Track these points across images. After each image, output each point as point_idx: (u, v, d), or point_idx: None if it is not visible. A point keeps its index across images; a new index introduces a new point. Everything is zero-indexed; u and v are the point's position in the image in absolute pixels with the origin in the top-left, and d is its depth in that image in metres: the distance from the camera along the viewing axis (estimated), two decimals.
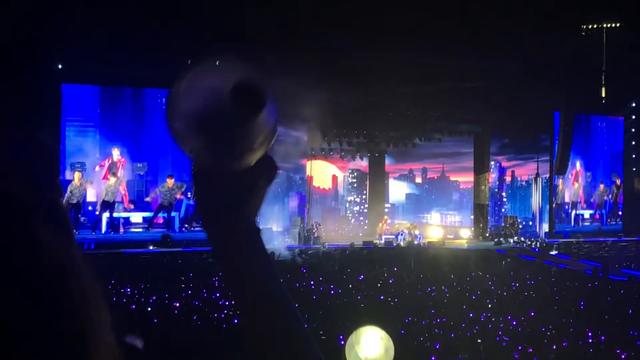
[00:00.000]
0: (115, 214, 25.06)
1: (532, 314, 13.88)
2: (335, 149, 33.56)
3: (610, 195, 34.01)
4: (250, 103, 1.20)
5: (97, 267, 1.06)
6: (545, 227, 31.81)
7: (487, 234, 32.09)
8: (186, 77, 1.21)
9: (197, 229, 24.67)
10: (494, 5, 25.96)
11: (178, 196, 25.73)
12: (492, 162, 33.49)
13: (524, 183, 33.87)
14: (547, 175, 31.98)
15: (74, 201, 23.69)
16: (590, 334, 12.08)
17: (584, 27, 31.86)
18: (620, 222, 33.76)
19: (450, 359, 10.45)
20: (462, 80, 27.96)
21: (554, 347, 11.10)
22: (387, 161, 38.35)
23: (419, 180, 39.32)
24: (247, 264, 1.29)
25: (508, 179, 34.13)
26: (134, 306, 13.71)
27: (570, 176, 32.43)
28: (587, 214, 33.41)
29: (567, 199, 32.58)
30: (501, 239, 30.16)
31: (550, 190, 31.66)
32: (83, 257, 1.05)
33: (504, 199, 34.17)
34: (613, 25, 31.47)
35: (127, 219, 25.64)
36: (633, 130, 34.01)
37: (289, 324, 1.30)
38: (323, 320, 12.50)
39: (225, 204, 1.28)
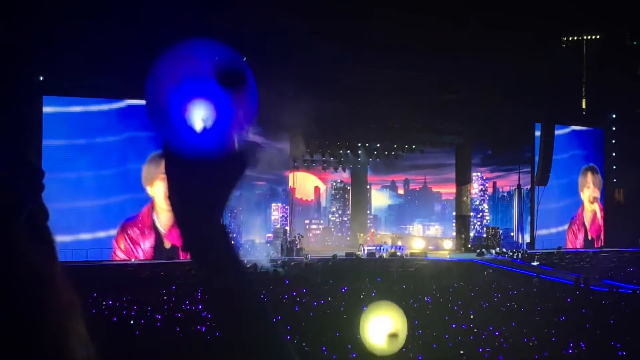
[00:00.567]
0: None
1: (514, 324, 13.92)
2: (318, 161, 33.60)
3: None
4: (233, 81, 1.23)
5: (80, 279, 1.06)
6: (527, 238, 31.93)
7: (469, 245, 32.18)
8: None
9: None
10: (475, 20, 26.16)
11: None
12: (474, 174, 33.59)
13: (505, 194, 33.98)
14: (529, 187, 32.14)
15: None
16: (571, 345, 12.11)
17: (565, 39, 32.18)
18: None
19: None
20: (444, 93, 28.11)
21: (536, 357, 11.13)
22: (370, 173, 38.41)
23: (401, 191, 39.37)
24: (216, 256, 1.29)
25: (490, 190, 34.23)
26: (115, 319, 13.61)
27: None
28: None
29: None
30: (483, 250, 30.22)
31: (532, 201, 31.80)
32: (63, 268, 1.05)
33: (486, 211, 34.26)
34: (593, 37, 31.80)
35: None
36: (613, 141, 34.23)
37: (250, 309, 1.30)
38: (306, 332, 12.46)
39: (196, 201, 1.27)
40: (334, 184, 38.27)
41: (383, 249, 29.09)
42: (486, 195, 33.92)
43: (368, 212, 38.79)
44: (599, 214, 34.05)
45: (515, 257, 29.26)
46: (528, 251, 30.29)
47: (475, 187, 33.76)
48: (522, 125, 31.21)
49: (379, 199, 39.80)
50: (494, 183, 34.16)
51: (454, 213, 34.61)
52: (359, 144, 32.72)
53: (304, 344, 11.08)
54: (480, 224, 33.62)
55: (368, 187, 39.02)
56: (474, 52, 26.66)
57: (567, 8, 28.62)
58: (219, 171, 1.26)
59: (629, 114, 33.37)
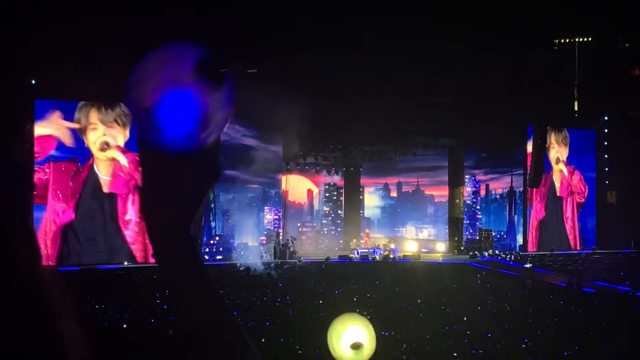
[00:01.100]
0: None
1: (507, 326, 13.94)
2: (311, 164, 33.60)
3: None
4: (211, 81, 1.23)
5: (70, 283, 1.05)
6: (520, 240, 31.97)
7: (462, 248, 32.23)
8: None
9: None
10: (469, 22, 26.21)
11: None
12: (467, 176, 33.64)
13: (497, 197, 34.02)
14: (521, 189, 32.19)
15: None
16: (565, 346, 12.13)
17: (557, 41, 32.27)
18: None
19: None
20: (437, 95, 28.15)
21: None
22: (363, 175, 38.43)
23: (394, 194, 39.35)
24: (181, 266, 1.29)
25: (482, 192, 34.25)
26: (106, 323, 13.57)
27: None
28: None
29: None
30: (476, 252, 30.26)
31: (524, 203, 31.87)
32: (51, 272, 1.04)
33: (479, 213, 34.27)
34: (584, 40, 31.91)
35: None
36: (606, 143, 34.31)
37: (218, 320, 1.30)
38: (299, 335, 12.45)
39: (164, 221, 1.27)
40: (327, 186, 38.26)
41: (376, 252, 29.15)
42: (478, 198, 33.95)
43: (361, 214, 38.78)
44: (565, 173, 33.61)
45: (508, 259, 29.32)
46: (521, 253, 30.34)
47: (468, 190, 33.80)
48: (515, 127, 31.24)
49: (372, 201, 39.81)
50: (487, 185, 34.19)
51: (447, 215, 34.61)
52: (352, 147, 32.73)
53: (297, 346, 11.08)
54: (473, 227, 33.64)
55: (361, 189, 39.03)
56: (467, 54, 26.70)
57: (559, 11, 28.71)
58: (193, 175, 1.27)
59: (621, 116, 33.46)
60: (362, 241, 32.40)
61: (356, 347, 4.69)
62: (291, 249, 28.19)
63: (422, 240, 34.97)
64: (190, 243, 1.30)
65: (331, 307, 16.57)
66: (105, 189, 24.95)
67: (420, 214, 37.93)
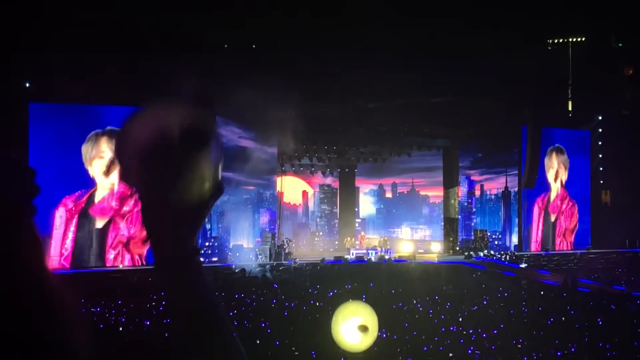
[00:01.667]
0: None
1: (502, 326, 13.95)
2: (306, 165, 33.61)
3: None
4: (196, 141, 1.25)
5: (69, 285, 1.06)
6: (515, 240, 32.01)
7: (457, 248, 32.27)
8: (136, 118, 1.24)
9: None
10: (461, 22, 26.25)
11: None
12: (462, 177, 33.68)
13: (492, 197, 34.04)
14: (516, 189, 32.23)
15: None
16: (560, 346, 12.15)
17: (550, 41, 32.33)
18: None
19: None
20: (431, 96, 28.19)
21: None
22: (357, 176, 38.49)
23: (389, 194, 39.39)
24: (183, 292, 1.31)
25: (477, 192, 34.27)
26: (102, 325, 13.56)
27: None
28: None
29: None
30: (471, 252, 30.29)
31: (519, 203, 31.91)
32: (54, 274, 1.05)
33: (474, 213, 34.30)
34: (578, 39, 31.97)
35: None
36: (600, 143, 34.37)
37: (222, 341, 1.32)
38: (295, 336, 12.45)
39: (167, 237, 1.29)
40: (322, 188, 38.30)
41: (371, 253, 29.18)
42: (474, 198, 33.98)
43: (356, 215, 38.83)
44: (559, 191, 33.70)
45: (503, 259, 29.36)
46: (516, 253, 30.39)
47: (463, 190, 33.83)
48: (510, 127, 31.28)
49: (367, 202, 39.87)
50: (482, 186, 34.22)
51: (442, 216, 34.64)
52: (347, 148, 32.75)
53: (293, 348, 11.08)
54: (468, 227, 33.67)
55: (356, 190, 39.08)
56: (462, 54, 26.74)
57: (552, 10, 28.77)
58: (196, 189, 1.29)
59: (615, 115, 33.53)
60: (357, 242, 32.44)
61: (363, 329, 4.73)
62: (286, 251, 28.19)
63: (417, 241, 35.03)
64: (192, 259, 1.32)
65: (326, 308, 16.59)
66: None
67: (416, 215, 37.98)
